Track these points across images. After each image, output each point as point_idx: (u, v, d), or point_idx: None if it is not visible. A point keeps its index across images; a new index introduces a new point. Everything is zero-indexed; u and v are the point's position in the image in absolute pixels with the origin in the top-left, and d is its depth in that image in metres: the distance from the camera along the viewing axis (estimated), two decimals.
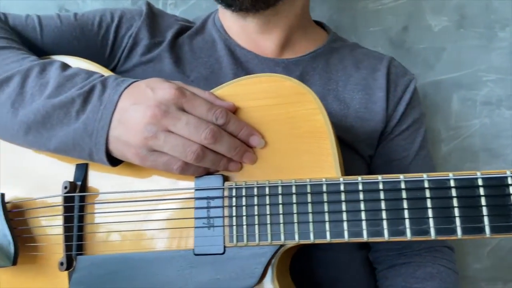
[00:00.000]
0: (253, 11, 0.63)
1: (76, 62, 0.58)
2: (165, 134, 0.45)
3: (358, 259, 0.63)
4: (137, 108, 0.45)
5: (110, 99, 0.47)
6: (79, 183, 0.52)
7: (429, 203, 0.41)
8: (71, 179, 0.52)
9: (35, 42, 0.61)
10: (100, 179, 0.52)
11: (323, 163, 0.46)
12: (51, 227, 0.52)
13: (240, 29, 0.67)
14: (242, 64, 0.65)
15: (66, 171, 0.53)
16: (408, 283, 0.58)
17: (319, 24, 0.76)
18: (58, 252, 0.51)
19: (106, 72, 0.55)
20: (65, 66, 0.51)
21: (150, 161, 0.46)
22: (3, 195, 0.52)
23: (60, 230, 0.51)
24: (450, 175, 0.41)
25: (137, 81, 0.49)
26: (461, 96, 0.92)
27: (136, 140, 0.45)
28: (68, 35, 0.62)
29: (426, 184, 0.41)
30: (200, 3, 0.87)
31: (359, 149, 0.61)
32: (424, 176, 0.42)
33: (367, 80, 0.67)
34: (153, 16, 0.67)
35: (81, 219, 0.51)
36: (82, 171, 0.52)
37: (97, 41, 0.64)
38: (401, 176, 0.43)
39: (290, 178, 0.46)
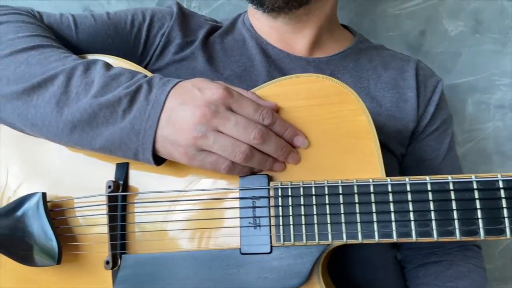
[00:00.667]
0: (286, 10, 0.63)
1: (112, 61, 0.57)
2: (214, 134, 0.44)
3: (390, 259, 0.63)
4: (186, 108, 0.45)
5: (157, 98, 0.46)
6: (121, 182, 0.51)
7: (478, 204, 0.41)
8: (111, 178, 0.52)
9: (70, 40, 0.61)
10: (141, 178, 0.52)
11: (367, 164, 0.47)
12: (93, 226, 0.51)
13: (271, 28, 0.68)
14: (274, 62, 0.66)
15: (104, 170, 0.53)
16: (440, 281, 0.59)
17: (344, 26, 0.76)
18: (101, 251, 0.50)
19: (143, 71, 0.55)
20: (108, 66, 0.51)
21: (198, 161, 0.46)
22: (44, 194, 0.51)
23: (102, 229, 0.51)
24: (499, 176, 0.41)
25: (182, 81, 0.49)
26: (476, 100, 0.93)
27: (185, 140, 0.45)
28: (103, 34, 0.62)
29: (475, 185, 0.42)
30: (223, 6, 0.87)
31: (392, 147, 0.62)
32: (473, 177, 0.42)
33: (397, 80, 0.67)
34: (184, 16, 0.68)
35: (123, 218, 0.51)
36: (123, 170, 0.52)
37: (130, 39, 0.64)
38: (449, 177, 0.43)
39: (334, 178, 0.46)
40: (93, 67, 0.50)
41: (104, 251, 0.50)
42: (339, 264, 0.55)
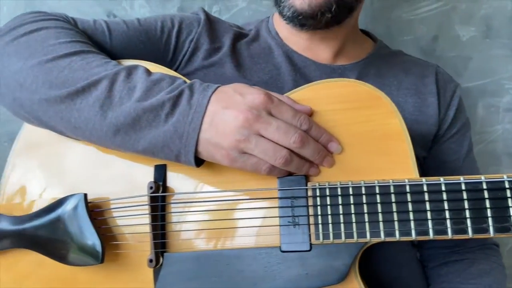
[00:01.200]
0: (324, 29, 0.64)
1: (148, 67, 0.59)
2: (256, 138, 0.46)
3: (413, 257, 0.65)
4: (229, 112, 0.47)
5: (199, 103, 0.48)
6: (160, 183, 0.53)
7: (510, 202, 0.43)
8: (149, 180, 0.53)
9: (104, 46, 0.62)
10: (179, 179, 0.53)
11: (401, 165, 0.48)
12: (134, 225, 0.53)
13: (299, 38, 0.69)
14: (300, 70, 0.67)
15: (142, 171, 0.55)
16: (463, 279, 0.61)
17: (364, 32, 0.78)
18: (142, 249, 0.52)
19: (177, 76, 0.56)
20: (148, 71, 0.53)
21: (240, 163, 0.47)
22: (85, 195, 0.53)
23: (143, 228, 0.52)
24: None
25: (221, 86, 0.50)
26: (486, 103, 0.95)
27: (228, 142, 0.46)
28: (135, 40, 0.64)
29: (507, 185, 0.44)
30: (242, 11, 0.89)
31: (415, 151, 0.63)
32: (505, 177, 0.44)
33: (417, 85, 0.69)
34: (211, 23, 0.69)
35: (164, 217, 0.52)
36: (162, 171, 0.53)
37: (161, 45, 0.65)
38: (482, 177, 0.45)
39: (368, 179, 0.48)
40: (135, 73, 0.52)
41: (145, 250, 0.51)
42: (367, 263, 0.56)
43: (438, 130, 0.68)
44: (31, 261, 0.57)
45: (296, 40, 0.69)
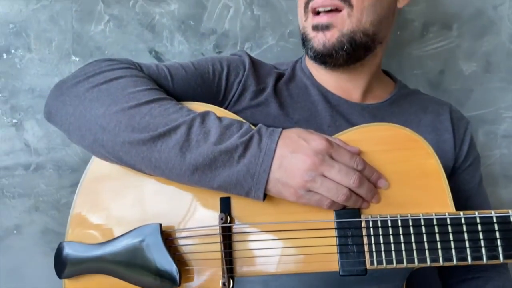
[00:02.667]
0: (345, 66, 0.72)
1: (204, 108, 0.65)
2: (321, 179, 0.54)
3: (437, 276, 0.73)
4: (296, 156, 0.54)
5: (268, 147, 0.55)
6: (227, 213, 0.59)
7: None
8: (214, 210, 0.60)
9: (168, 89, 0.68)
10: (242, 210, 0.60)
11: (439, 200, 0.57)
12: (205, 252, 0.59)
13: (330, 77, 0.76)
14: (335, 107, 0.75)
15: (209, 203, 0.61)
16: None
17: (384, 72, 0.86)
18: (214, 274, 0.58)
19: (238, 118, 0.64)
20: (218, 117, 0.59)
21: (305, 199, 0.55)
22: (160, 225, 0.59)
23: (213, 254, 0.58)
24: None
25: (285, 131, 0.57)
26: (485, 130, 1.05)
27: (297, 182, 0.54)
28: (193, 83, 0.70)
29: None
30: (271, 47, 0.97)
31: None
32: None
33: (435, 123, 0.77)
34: (255, 65, 0.75)
35: (231, 245, 0.59)
36: (227, 203, 0.60)
37: (213, 87, 0.72)
38: (510, 211, 0.53)
39: (410, 212, 0.56)
40: (208, 118, 0.58)
41: (216, 274, 0.58)
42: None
43: (455, 163, 0.76)
44: (105, 284, 0.62)
45: (327, 79, 0.76)
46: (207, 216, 0.61)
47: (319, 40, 0.69)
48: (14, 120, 0.90)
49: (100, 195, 0.66)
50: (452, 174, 0.76)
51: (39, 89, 0.90)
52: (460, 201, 0.77)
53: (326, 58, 0.70)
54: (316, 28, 0.69)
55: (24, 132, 0.90)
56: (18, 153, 0.90)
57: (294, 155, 0.54)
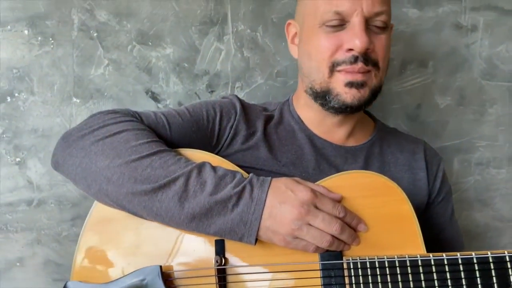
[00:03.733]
0: (354, 112, 0.77)
1: (200, 155, 0.71)
2: (307, 227, 0.60)
3: None
4: (285, 206, 0.60)
5: (259, 197, 0.61)
6: (221, 256, 0.65)
7: None
8: (209, 251, 0.65)
9: (165, 138, 0.73)
10: (236, 252, 0.66)
11: (411, 242, 0.63)
12: None
13: (320, 121, 0.81)
14: (320, 150, 0.80)
15: (203, 245, 0.66)
16: None
17: (365, 111, 0.92)
18: None
19: (229, 164, 0.69)
20: (213, 167, 0.65)
21: (293, 245, 0.61)
22: (160, 267, 0.64)
23: None
24: None
25: (274, 181, 0.63)
26: (460, 159, 1.12)
27: (285, 230, 0.60)
28: (189, 130, 0.75)
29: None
30: (260, 86, 1.03)
31: None
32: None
33: (410, 162, 0.84)
34: (245, 109, 0.81)
35: (226, 285, 0.64)
36: (222, 246, 0.66)
37: (208, 132, 0.77)
38: (473, 253, 0.60)
39: (386, 254, 0.62)
40: (204, 170, 0.64)
41: None
42: None
43: (428, 199, 0.82)
44: None
45: (316, 123, 0.81)
46: (203, 257, 0.66)
47: (353, 96, 0.73)
48: (18, 159, 0.95)
49: (103, 237, 0.71)
50: (427, 209, 0.83)
51: (41, 129, 0.95)
52: (435, 234, 0.85)
53: (354, 110, 0.75)
54: (351, 85, 0.73)
55: (27, 169, 0.95)
56: (21, 189, 0.95)
57: (282, 206, 0.60)
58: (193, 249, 0.67)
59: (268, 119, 0.82)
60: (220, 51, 1.01)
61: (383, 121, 1.04)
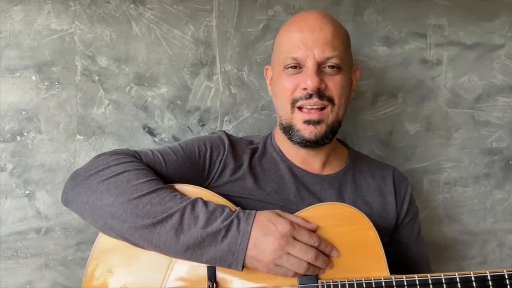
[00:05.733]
0: (319, 146, 0.85)
1: (193, 190, 0.79)
2: (286, 256, 0.68)
3: None
4: (267, 238, 0.69)
5: (245, 230, 0.69)
6: (212, 280, 0.73)
7: None
8: (202, 275, 0.73)
9: (161, 174, 0.80)
10: (225, 276, 0.74)
11: (376, 265, 0.72)
12: None
13: (296, 153, 0.90)
14: (299, 179, 0.89)
15: (196, 270, 0.74)
16: None
17: (339, 140, 1.01)
18: None
19: (220, 198, 0.77)
20: (205, 202, 0.73)
21: (274, 271, 0.69)
22: None
23: None
24: None
25: (258, 214, 0.71)
26: (429, 179, 1.21)
27: (267, 259, 0.68)
28: (183, 166, 0.83)
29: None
30: (247, 119, 1.11)
31: (381, 238, 0.86)
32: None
33: (381, 187, 0.92)
34: (233, 145, 0.89)
35: None
36: (213, 271, 0.74)
37: (199, 167, 0.85)
38: (429, 275, 0.69)
39: (354, 276, 0.71)
40: (196, 205, 0.72)
41: None
42: None
43: (397, 221, 0.91)
44: None
45: (294, 155, 0.90)
46: (196, 281, 0.74)
47: (311, 132, 0.82)
48: (27, 192, 1.02)
49: (107, 264, 0.78)
50: (395, 229, 0.92)
51: (48, 164, 1.02)
52: (403, 252, 0.93)
53: (313, 144, 0.84)
54: (308, 122, 0.82)
55: (36, 201, 1.02)
56: (30, 219, 1.02)
57: (265, 237, 0.69)
58: (188, 275, 0.75)
59: (253, 152, 0.91)
60: (210, 89, 1.09)
61: (358, 147, 1.13)
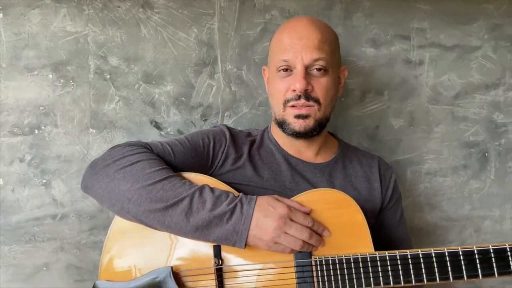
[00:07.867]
0: (308, 137, 0.93)
1: (200, 178, 0.86)
2: (284, 235, 0.76)
3: None
4: (267, 219, 0.76)
5: (247, 212, 0.77)
6: (219, 258, 0.80)
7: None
8: (208, 254, 0.81)
9: (170, 163, 0.87)
10: (230, 254, 0.81)
11: (363, 243, 0.80)
12: (205, 287, 0.79)
13: (291, 144, 0.97)
14: (294, 167, 0.96)
15: (203, 248, 0.82)
16: None
17: (330, 133, 1.08)
18: None
19: (221, 184, 0.85)
20: (211, 189, 0.80)
21: (274, 248, 0.77)
22: (172, 268, 0.79)
23: None
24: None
25: (259, 199, 0.79)
26: (412, 170, 1.28)
27: (268, 238, 0.76)
28: (189, 156, 0.90)
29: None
30: (245, 114, 1.17)
31: (368, 221, 0.93)
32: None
33: (367, 174, 0.99)
34: (233, 137, 0.96)
35: (222, 281, 0.80)
36: (219, 250, 0.81)
37: (204, 157, 0.92)
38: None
39: (344, 253, 0.78)
40: (204, 191, 0.79)
41: None
42: None
43: (382, 205, 0.98)
44: None
45: (290, 145, 0.97)
46: (203, 259, 0.81)
47: (300, 125, 0.90)
48: (44, 181, 1.08)
49: (122, 244, 0.85)
50: (380, 213, 0.99)
51: (64, 156, 1.08)
52: (386, 233, 1.01)
53: (302, 136, 0.92)
54: (298, 116, 0.90)
55: (52, 189, 1.08)
56: (47, 206, 1.08)
57: (265, 219, 0.76)
58: (195, 253, 0.82)
59: (252, 144, 0.98)
60: (212, 86, 1.15)
61: (348, 140, 1.20)
